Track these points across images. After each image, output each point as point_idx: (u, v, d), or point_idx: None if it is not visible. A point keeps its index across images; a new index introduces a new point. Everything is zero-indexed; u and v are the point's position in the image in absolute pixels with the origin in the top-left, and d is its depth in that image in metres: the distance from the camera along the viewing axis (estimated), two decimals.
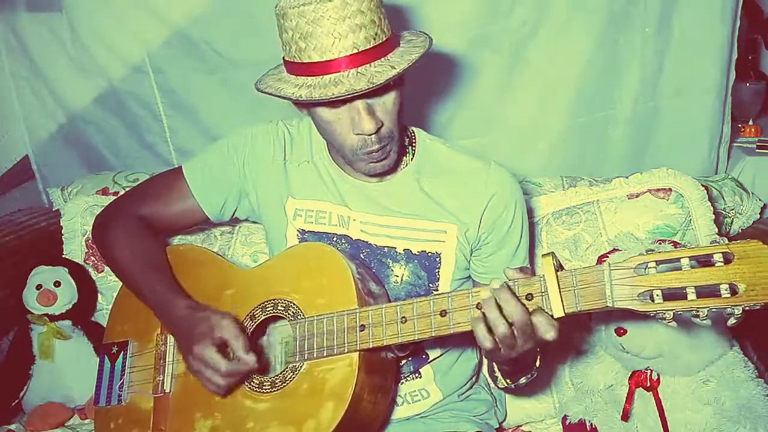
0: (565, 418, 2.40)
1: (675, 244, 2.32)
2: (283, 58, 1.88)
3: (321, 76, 1.77)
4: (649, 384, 2.26)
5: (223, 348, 1.89)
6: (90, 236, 2.75)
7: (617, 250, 2.38)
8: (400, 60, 1.81)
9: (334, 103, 1.82)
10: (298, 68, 1.82)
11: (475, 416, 2.30)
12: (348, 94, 1.73)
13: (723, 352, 2.28)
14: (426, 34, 1.95)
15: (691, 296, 1.46)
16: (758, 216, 2.77)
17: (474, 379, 2.36)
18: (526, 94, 2.97)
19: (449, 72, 2.89)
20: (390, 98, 1.87)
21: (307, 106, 1.92)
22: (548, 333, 1.62)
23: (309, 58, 1.77)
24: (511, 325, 1.64)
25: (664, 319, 1.50)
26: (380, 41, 1.79)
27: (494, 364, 1.95)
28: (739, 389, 2.21)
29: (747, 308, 1.43)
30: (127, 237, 2.20)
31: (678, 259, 1.49)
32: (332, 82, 1.75)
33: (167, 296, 2.06)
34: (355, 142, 1.89)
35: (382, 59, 1.80)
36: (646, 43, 2.85)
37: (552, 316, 1.63)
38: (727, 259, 1.46)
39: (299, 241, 2.15)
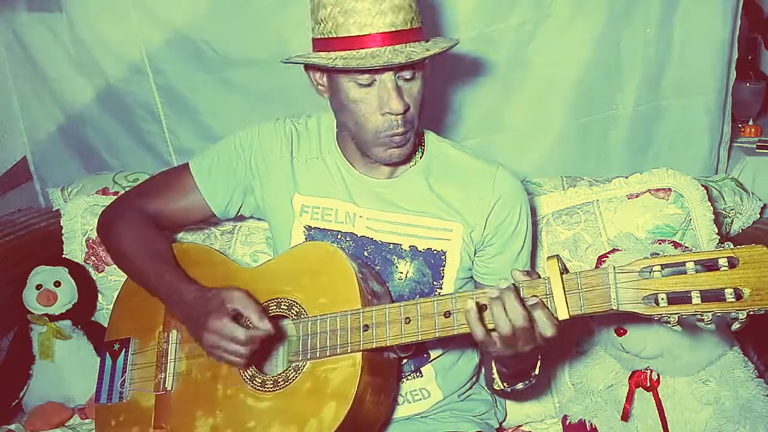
0: (565, 418, 2.39)
1: (675, 245, 2.32)
2: (313, 39, 1.93)
3: (357, 50, 1.82)
4: (649, 384, 2.27)
5: (237, 320, 1.89)
6: (90, 236, 2.77)
7: (617, 249, 2.37)
8: (433, 46, 1.87)
9: (366, 79, 1.87)
10: (332, 43, 1.87)
11: (475, 416, 2.31)
12: (386, 65, 1.79)
13: (723, 352, 2.28)
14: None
15: (696, 300, 1.47)
16: (758, 216, 2.77)
17: (474, 379, 2.36)
18: (527, 94, 2.97)
19: (450, 72, 2.89)
20: (416, 85, 1.92)
21: (333, 80, 1.95)
22: (547, 330, 1.64)
23: (347, 32, 1.83)
24: (513, 326, 1.65)
25: (669, 322, 1.50)
26: (416, 25, 1.87)
27: (492, 368, 1.95)
28: (739, 389, 2.21)
29: (751, 313, 1.43)
30: (133, 230, 2.21)
31: (683, 263, 1.50)
32: (370, 55, 1.81)
33: (176, 284, 2.06)
34: (381, 123, 1.92)
35: (416, 42, 1.87)
36: (647, 44, 2.86)
37: (556, 318, 1.63)
38: (732, 264, 1.46)
39: (305, 238, 2.16)
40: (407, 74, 1.88)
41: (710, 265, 1.49)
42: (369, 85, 1.88)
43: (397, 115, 1.89)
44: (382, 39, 1.81)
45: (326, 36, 1.87)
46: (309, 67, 2.01)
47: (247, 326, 1.89)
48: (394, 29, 1.82)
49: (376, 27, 1.81)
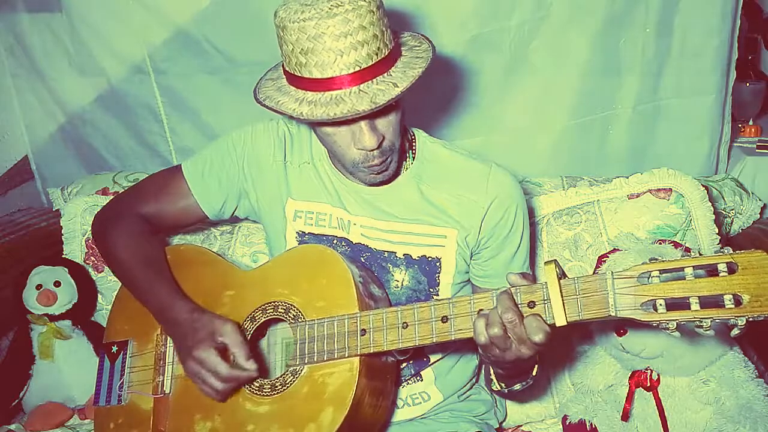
0: (565, 418, 2.40)
1: (676, 245, 2.32)
2: (283, 66, 1.86)
3: (322, 92, 1.75)
4: (649, 384, 2.27)
5: (223, 353, 1.89)
6: (90, 236, 2.76)
7: (618, 250, 2.38)
8: (403, 76, 1.78)
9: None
10: (299, 82, 1.79)
11: (475, 416, 2.31)
12: (350, 115, 1.71)
13: (723, 352, 2.28)
14: (428, 40, 1.93)
15: (695, 306, 1.46)
16: (758, 216, 2.78)
17: (474, 379, 2.36)
18: (527, 94, 2.96)
19: (449, 72, 2.88)
20: (393, 112, 1.85)
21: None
22: (536, 335, 1.61)
23: (310, 74, 1.75)
24: (505, 329, 1.65)
25: (668, 329, 1.49)
26: (383, 56, 1.76)
27: (490, 368, 1.95)
28: (739, 389, 2.22)
29: (751, 319, 1.43)
30: (127, 237, 2.19)
31: (682, 269, 1.49)
32: (334, 101, 1.73)
33: (168, 299, 2.06)
34: (357, 156, 1.88)
35: (385, 75, 1.77)
36: (647, 43, 2.84)
37: (554, 323, 1.63)
38: (732, 269, 1.45)
39: (299, 243, 2.15)
40: None
41: (709, 271, 1.48)
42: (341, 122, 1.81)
43: (371, 150, 1.84)
44: (347, 81, 1.72)
45: (292, 72, 1.80)
46: None
47: (232, 363, 1.89)
48: (358, 68, 1.72)
49: (338, 68, 1.72)
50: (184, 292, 2.10)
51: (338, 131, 1.84)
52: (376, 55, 1.74)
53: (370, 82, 1.74)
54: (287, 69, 1.82)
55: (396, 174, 2.04)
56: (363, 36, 1.71)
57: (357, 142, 1.84)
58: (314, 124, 1.91)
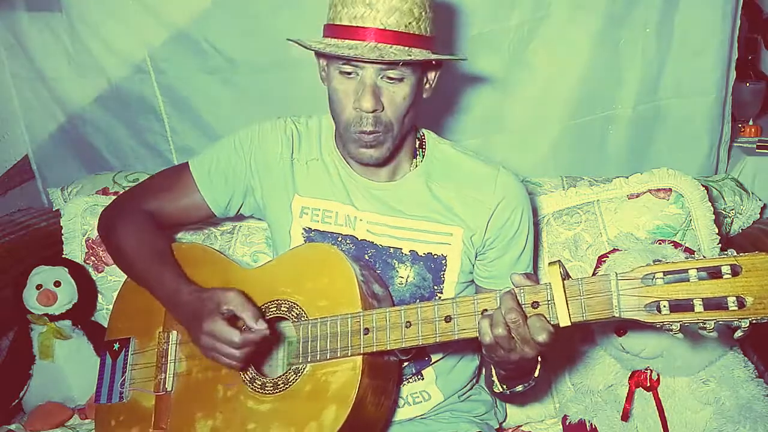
0: (565, 418, 2.39)
1: (675, 245, 2.32)
2: None
3: (343, 40, 1.85)
4: (649, 384, 2.27)
5: (233, 321, 1.89)
6: (90, 236, 2.76)
7: (617, 250, 2.37)
8: (420, 54, 1.85)
9: (347, 68, 1.87)
10: (329, 30, 1.92)
11: (475, 417, 2.31)
12: (353, 57, 1.81)
13: (723, 352, 2.28)
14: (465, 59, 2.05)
15: (699, 308, 1.46)
16: (758, 216, 2.78)
17: (475, 380, 2.36)
18: (527, 94, 2.97)
19: (449, 73, 2.88)
20: (401, 90, 1.91)
21: (327, 67, 1.97)
22: (540, 335, 1.62)
23: (340, 21, 1.86)
24: (509, 329, 1.65)
25: (671, 330, 1.50)
26: (411, 31, 1.85)
27: (492, 370, 1.95)
28: (739, 389, 2.21)
29: (754, 322, 1.43)
30: (134, 230, 2.21)
31: (686, 271, 1.49)
32: (347, 46, 1.84)
33: (174, 285, 2.06)
34: (352, 117, 1.93)
35: (404, 47, 1.85)
36: (647, 43, 2.85)
37: (558, 324, 1.63)
38: (735, 272, 1.45)
39: (305, 239, 2.16)
40: (393, 74, 1.87)
41: (713, 273, 1.48)
42: (350, 75, 1.89)
43: (367, 112, 1.89)
44: (368, 34, 1.83)
45: (328, 22, 1.92)
46: (316, 54, 2.02)
47: (243, 329, 1.89)
48: (382, 28, 1.82)
49: (365, 21, 1.83)
50: (190, 278, 2.10)
51: (345, 88, 1.92)
52: (405, 27, 1.84)
53: (388, 44, 1.83)
54: (326, 22, 1.94)
55: (391, 158, 2.06)
56: (399, 4, 1.83)
57: (356, 101, 1.90)
58: (330, 77, 1.97)
